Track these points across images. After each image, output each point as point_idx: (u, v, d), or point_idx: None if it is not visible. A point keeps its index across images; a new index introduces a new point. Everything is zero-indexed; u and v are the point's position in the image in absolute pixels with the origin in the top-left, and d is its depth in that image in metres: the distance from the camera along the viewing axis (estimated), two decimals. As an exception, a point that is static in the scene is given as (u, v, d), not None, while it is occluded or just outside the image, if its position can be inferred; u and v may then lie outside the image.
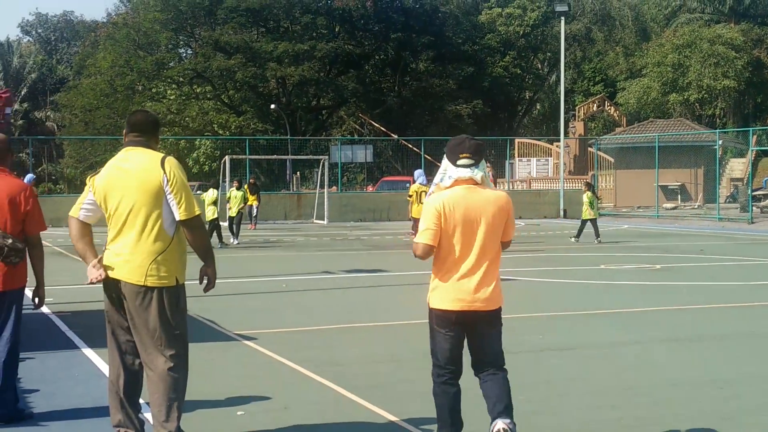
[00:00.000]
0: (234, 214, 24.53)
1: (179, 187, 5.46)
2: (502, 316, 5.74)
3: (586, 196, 24.76)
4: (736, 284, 15.05)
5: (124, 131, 5.75)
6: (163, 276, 5.43)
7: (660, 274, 16.37)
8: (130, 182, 5.45)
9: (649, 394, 7.17)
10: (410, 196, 21.76)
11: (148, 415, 5.78)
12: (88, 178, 5.66)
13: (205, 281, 5.73)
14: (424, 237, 5.53)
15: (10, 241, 6.21)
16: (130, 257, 5.40)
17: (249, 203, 30.39)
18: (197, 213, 5.52)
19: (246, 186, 29.84)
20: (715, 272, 17.17)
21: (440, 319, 5.53)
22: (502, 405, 5.53)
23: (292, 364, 8.26)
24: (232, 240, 24.15)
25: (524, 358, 8.69)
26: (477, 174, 5.53)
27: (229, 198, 24.79)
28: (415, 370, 8.10)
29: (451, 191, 5.53)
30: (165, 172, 5.44)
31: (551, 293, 13.96)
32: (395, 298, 13.47)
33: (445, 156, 5.60)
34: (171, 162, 5.53)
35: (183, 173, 5.55)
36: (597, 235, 24.44)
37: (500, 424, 5.40)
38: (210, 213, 22.41)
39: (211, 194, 22.90)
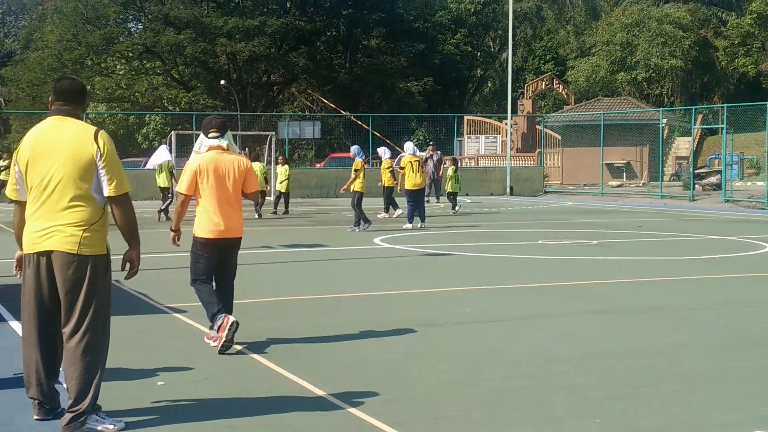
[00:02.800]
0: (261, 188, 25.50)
1: (112, 163, 5.46)
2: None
3: (450, 170, 27.76)
4: (667, 259, 15.36)
5: (49, 99, 5.69)
6: (96, 245, 5.45)
7: (595, 249, 16.64)
8: (61, 154, 5.41)
9: (567, 364, 7.33)
10: (402, 168, 22.04)
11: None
12: (15, 153, 5.64)
13: (127, 267, 5.70)
14: (183, 188, 7.95)
15: None
16: (61, 228, 5.39)
17: None
18: (127, 190, 5.52)
19: None
20: (650, 247, 17.48)
21: (202, 245, 8.02)
22: (228, 307, 7.98)
23: (219, 335, 8.33)
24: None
25: (449, 330, 8.85)
26: (223, 142, 7.94)
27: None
28: (342, 341, 8.23)
29: (206, 155, 7.92)
30: (98, 147, 5.43)
31: (485, 268, 14.14)
32: (330, 272, 13.58)
33: (201, 131, 8.07)
34: (104, 136, 5.50)
35: (114, 148, 5.57)
36: (454, 207, 27.15)
37: (228, 317, 7.58)
38: None
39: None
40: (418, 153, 23.22)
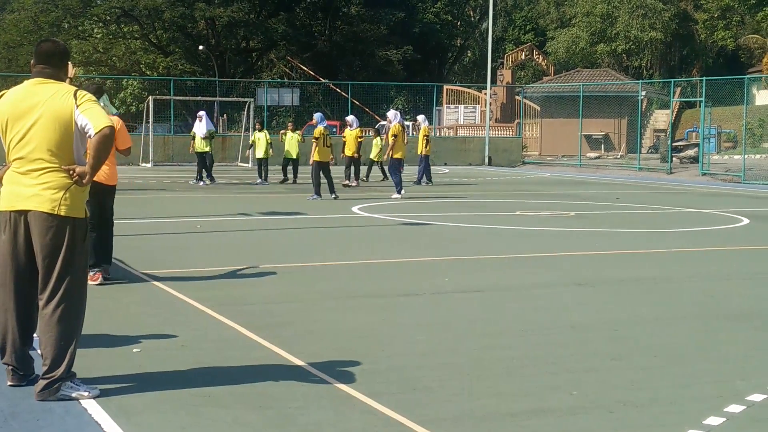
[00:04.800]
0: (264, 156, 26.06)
1: (90, 106, 5.38)
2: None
3: (379, 140, 27.52)
4: (644, 231, 15.41)
5: (31, 62, 5.62)
6: (75, 207, 5.40)
7: (573, 221, 16.66)
8: (41, 113, 5.36)
9: (545, 335, 7.33)
10: (395, 136, 21.89)
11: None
12: None
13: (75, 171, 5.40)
14: None
15: None
16: (41, 189, 5.34)
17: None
18: (108, 124, 5.33)
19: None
20: (627, 220, 17.53)
21: None
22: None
23: (195, 303, 8.28)
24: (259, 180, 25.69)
25: (427, 300, 8.84)
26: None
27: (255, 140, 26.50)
28: (320, 311, 8.20)
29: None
30: (76, 100, 5.38)
31: (463, 238, 14.13)
32: (308, 240, 13.54)
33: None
34: (83, 92, 5.46)
35: (93, 98, 5.49)
36: (366, 175, 27.03)
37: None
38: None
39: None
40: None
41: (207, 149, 24.78)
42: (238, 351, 6.68)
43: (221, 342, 6.96)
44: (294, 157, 25.89)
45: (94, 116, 5.38)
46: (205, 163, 24.87)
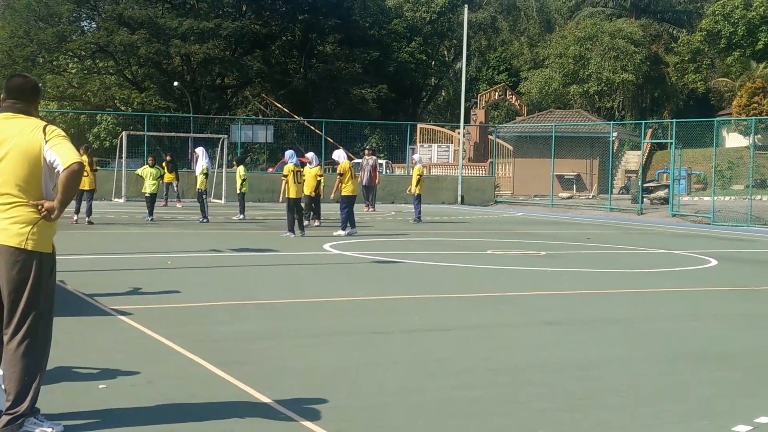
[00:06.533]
0: (150, 192, 24.45)
1: (59, 142, 5.36)
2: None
3: (242, 169, 26.70)
4: (614, 271, 15.50)
5: (1, 96, 5.60)
6: (43, 242, 5.37)
7: (544, 260, 16.73)
8: (10, 149, 5.34)
9: (513, 375, 7.34)
10: (341, 174, 21.74)
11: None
12: None
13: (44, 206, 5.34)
14: None
15: None
16: (9, 224, 5.31)
17: (166, 181, 30.41)
18: (76, 160, 5.30)
19: (164, 164, 30.36)
20: (597, 260, 17.63)
21: None
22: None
23: (164, 339, 8.24)
24: (148, 218, 24.03)
25: (394, 338, 8.84)
26: None
27: (143, 175, 24.84)
28: (289, 348, 8.18)
29: None
30: (45, 136, 5.35)
31: (434, 276, 14.15)
32: (279, 277, 13.51)
33: None
34: (52, 127, 5.45)
35: (63, 134, 5.48)
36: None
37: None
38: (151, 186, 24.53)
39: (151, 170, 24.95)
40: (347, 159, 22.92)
41: (200, 186, 24.57)
42: (205, 388, 6.64)
43: (188, 379, 6.92)
44: (150, 191, 25.05)
45: (62, 152, 5.36)
46: (202, 200, 24.61)
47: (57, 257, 5.57)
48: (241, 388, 6.64)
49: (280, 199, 20.68)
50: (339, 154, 23.19)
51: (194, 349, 7.85)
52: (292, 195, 20.27)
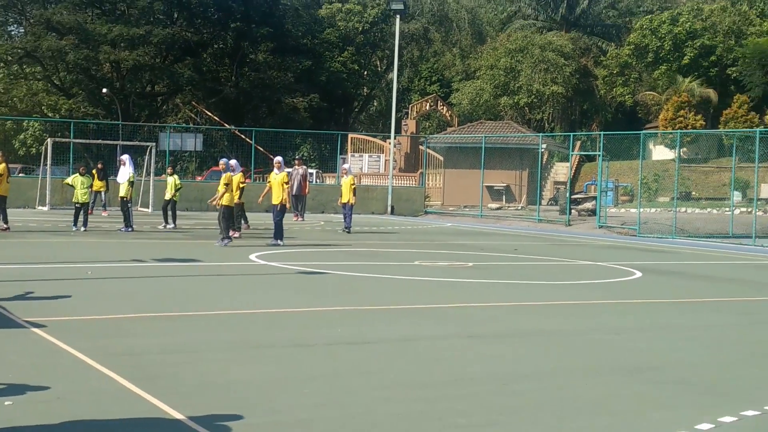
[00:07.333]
0: (82, 201, 23.86)
1: None
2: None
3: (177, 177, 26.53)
4: (540, 283, 15.52)
5: None
6: None
7: (471, 272, 16.72)
8: None
9: (435, 389, 7.25)
10: (226, 185, 21.36)
11: None
12: None
13: None
14: None
15: None
16: None
17: (95, 189, 29.78)
18: None
19: (94, 171, 29.86)
20: (524, 271, 17.68)
21: None
22: None
23: (77, 353, 8.00)
24: (74, 228, 23.44)
25: (317, 351, 8.70)
26: None
27: (73, 184, 24.20)
28: (207, 361, 8.00)
29: None
30: None
31: (359, 287, 14.04)
32: (202, 289, 13.27)
33: None
34: None
35: None
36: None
37: None
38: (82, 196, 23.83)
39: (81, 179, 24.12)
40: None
41: (125, 195, 24.23)
42: (117, 404, 6.44)
43: (100, 394, 6.70)
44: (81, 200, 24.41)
45: None
46: (127, 208, 24.17)
47: None
48: (153, 404, 6.45)
49: (215, 202, 20.57)
50: (236, 164, 22.53)
51: (109, 363, 7.62)
52: (227, 202, 20.15)
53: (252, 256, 17.96)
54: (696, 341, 10.18)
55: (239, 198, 22.47)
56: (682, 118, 53.29)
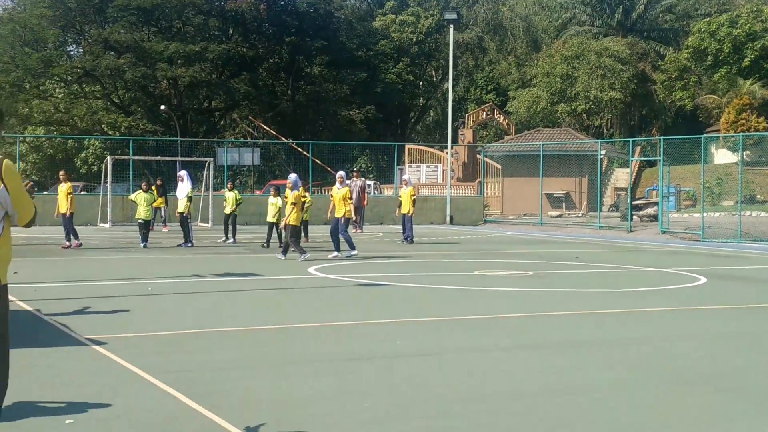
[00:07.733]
0: (144, 218, 24.03)
1: (19, 195, 5.35)
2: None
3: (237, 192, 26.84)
4: (602, 291, 15.29)
5: None
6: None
7: (530, 281, 16.53)
8: None
9: (494, 402, 7.13)
10: (293, 204, 21.21)
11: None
12: None
13: None
14: None
15: None
16: None
17: (155, 205, 30.13)
18: (31, 215, 5.46)
19: (153, 187, 30.22)
20: (585, 279, 17.43)
21: None
22: None
23: (136, 369, 8.01)
24: (142, 244, 23.61)
25: (377, 364, 8.61)
26: None
27: (136, 200, 24.38)
28: (266, 376, 7.96)
29: None
30: (4, 183, 5.27)
31: (419, 299, 13.93)
32: (261, 303, 13.28)
33: None
34: (8, 171, 5.34)
35: (19, 177, 5.39)
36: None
37: None
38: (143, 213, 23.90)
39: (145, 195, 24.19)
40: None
41: (183, 210, 24.51)
42: (175, 421, 6.43)
43: (159, 411, 6.69)
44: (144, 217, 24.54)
45: (21, 208, 5.41)
46: (187, 224, 24.37)
47: (36, 285, 5.43)
48: (212, 420, 6.42)
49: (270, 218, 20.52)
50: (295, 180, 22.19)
51: (167, 379, 7.62)
52: (294, 222, 19.98)
53: (311, 269, 17.96)
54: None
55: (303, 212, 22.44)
56: (744, 121, 52.38)
